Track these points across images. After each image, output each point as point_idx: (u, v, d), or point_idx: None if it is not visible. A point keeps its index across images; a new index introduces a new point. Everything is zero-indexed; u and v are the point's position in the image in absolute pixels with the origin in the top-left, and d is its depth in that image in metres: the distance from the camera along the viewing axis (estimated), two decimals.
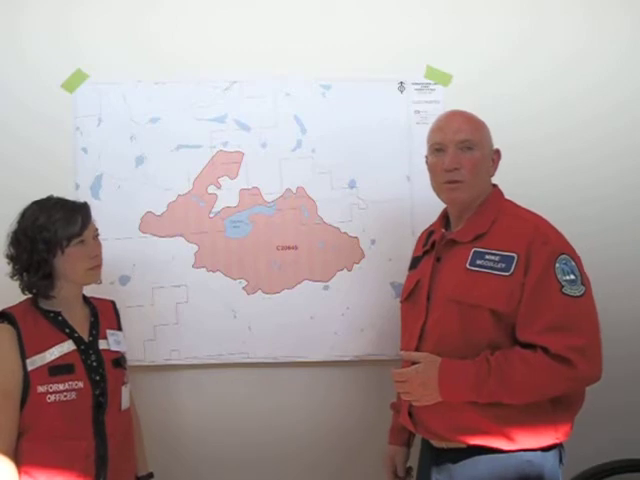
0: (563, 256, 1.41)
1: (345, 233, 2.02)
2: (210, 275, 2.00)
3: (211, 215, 2.01)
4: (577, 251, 1.48)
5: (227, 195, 2.01)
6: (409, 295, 1.63)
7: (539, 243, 1.41)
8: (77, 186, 1.98)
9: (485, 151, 1.53)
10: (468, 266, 1.47)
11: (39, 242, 1.50)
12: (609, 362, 2.03)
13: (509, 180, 1.93)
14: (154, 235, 2.00)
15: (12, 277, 1.55)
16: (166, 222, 2.00)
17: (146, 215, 2.00)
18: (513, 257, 1.42)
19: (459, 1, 2.06)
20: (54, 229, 1.50)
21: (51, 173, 1.96)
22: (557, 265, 1.40)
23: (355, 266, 2.01)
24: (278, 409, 2.03)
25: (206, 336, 1.99)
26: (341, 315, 2.01)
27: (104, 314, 1.66)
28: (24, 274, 1.53)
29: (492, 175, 1.56)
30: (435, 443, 1.52)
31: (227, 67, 2.03)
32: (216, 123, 2.02)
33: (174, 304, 1.99)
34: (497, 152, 1.57)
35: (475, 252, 1.47)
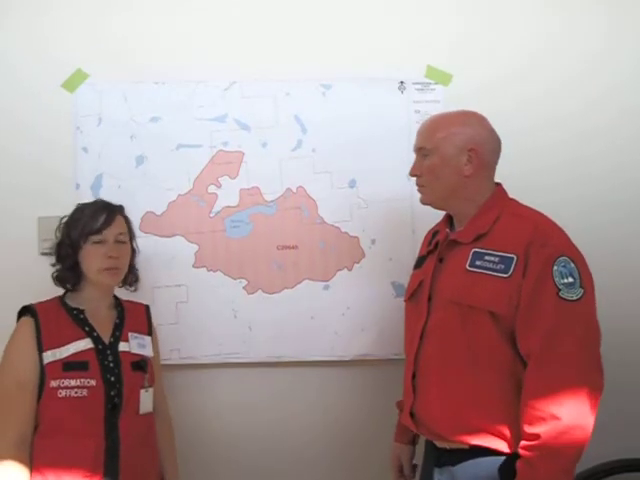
0: (562, 258, 1.38)
1: (345, 233, 2.02)
2: (210, 275, 2.00)
3: (211, 215, 2.01)
4: (592, 258, 1.46)
5: (227, 195, 2.01)
6: (412, 295, 1.62)
7: (537, 245, 1.39)
8: (77, 186, 1.98)
9: (445, 154, 1.50)
10: (468, 267, 1.45)
11: (67, 236, 1.56)
12: (609, 362, 2.04)
13: (509, 180, 1.94)
14: (154, 235, 2.00)
15: (53, 266, 1.61)
16: (166, 222, 2.00)
17: (146, 215, 2.00)
18: (512, 258, 1.40)
19: (459, 1, 2.06)
20: (81, 225, 1.55)
21: (51, 173, 1.96)
22: (555, 268, 1.37)
23: (355, 266, 2.01)
24: (278, 409, 2.03)
25: (206, 336, 1.99)
26: (341, 315, 2.01)
27: (132, 317, 1.66)
28: (57, 266, 1.60)
29: (468, 174, 1.50)
30: (438, 443, 1.51)
31: (227, 67, 2.03)
32: (216, 123, 2.02)
33: (174, 304, 1.99)
34: (472, 150, 1.50)
35: (475, 253, 1.46)
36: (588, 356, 1.36)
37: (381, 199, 2.02)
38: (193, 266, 2.00)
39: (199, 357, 2.00)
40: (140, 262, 1.97)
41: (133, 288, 1.72)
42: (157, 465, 1.65)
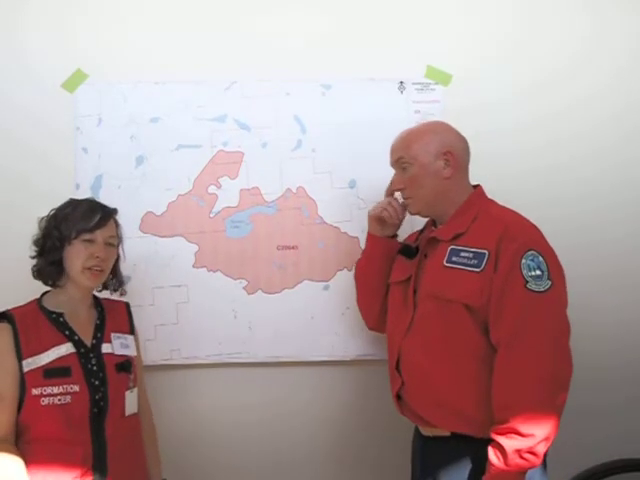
0: (530, 252, 1.44)
1: (345, 233, 2.03)
2: (210, 275, 2.00)
3: (211, 215, 2.01)
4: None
5: (227, 195, 2.01)
6: (398, 283, 1.68)
7: (507, 240, 1.45)
8: (77, 186, 1.98)
9: (423, 162, 1.58)
10: (445, 263, 1.53)
11: (56, 229, 1.53)
12: (609, 363, 2.04)
13: (507, 180, 1.94)
14: (154, 235, 2.00)
15: (33, 270, 1.57)
16: (166, 222, 2.00)
17: (146, 215, 2.00)
18: (485, 254, 1.47)
19: (460, 1, 2.06)
20: (72, 220, 1.53)
21: (51, 173, 1.97)
22: (523, 261, 1.43)
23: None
24: (278, 409, 2.03)
25: (206, 336, 2.00)
26: (341, 315, 2.01)
27: (113, 317, 1.63)
28: (37, 258, 1.56)
29: (448, 176, 1.57)
30: (423, 431, 1.58)
31: (227, 67, 2.03)
32: (216, 123, 2.02)
33: (174, 304, 1.99)
34: (447, 153, 1.57)
35: (452, 249, 1.53)
36: (554, 345, 1.41)
37: (381, 199, 2.01)
38: (193, 266, 2.00)
39: (199, 357, 2.00)
40: (140, 262, 1.98)
41: (119, 292, 1.69)
42: (144, 466, 1.64)
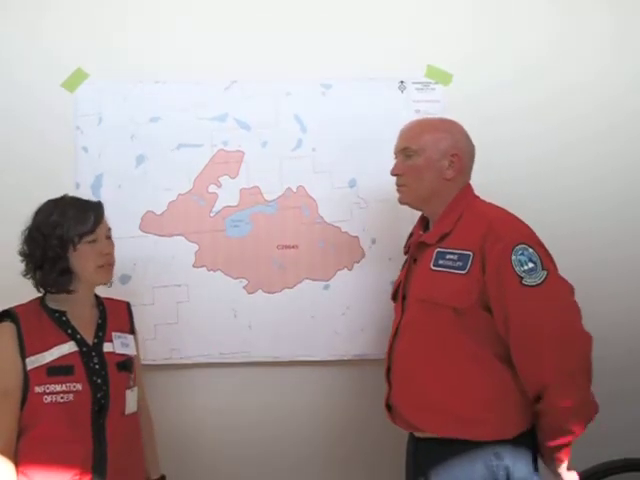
0: (519, 246, 1.42)
1: (345, 232, 2.03)
2: (210, 274, 2.00)
3: (211, 214, 2.01)
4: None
5: (227, 194, 2.02)
6: (394, 295, 1.69)
7: (492, 240, 1.43)
8: (77, 185, 1.98)
9: (430, 156, 1.55)
10: (432, 266, 1.52)
11: (52, 238, 1.49)
12: (610, 364, 2.04)
13: (506, 178, 1.94)
14: (154, 234, 2.00)
15: (25, 275, 1.53)
16: (166, 221, 2.00)
17: (146, 214, 2.00)
18: (469, 255, 1.46)
19: (459, 1, 2.06)
20: (67, 226, 1.50)
21: (52, 172, 1.97)
22: (513, 257, 1.41)
23: (355, 265, 2.02)
24: (277, 409, 2.03)
25: (206, 335, 2.00)
26: (341, 314, 2.01)
27: (114, 316, 1.63)
28: (37, 271, 1.51)
29: (449, 178, 1.56)
30: (415, 433, 1.57)
31: (227, 66, 2.04)
32: (216, 122, 2.02)
33: (174, 303, 1.99)
34: (454, 155, 1.56)
35: (437, 252, 1.52)
36: (568, 329, 1.39)
37: (381, 199, 2.02)
38: (193, 266, 2.00)
39: (199, 357, 2.00)
40: (140, 261, 1.98)
41: (109, 285, 1.66)
42: (143, 465, 1.64)
